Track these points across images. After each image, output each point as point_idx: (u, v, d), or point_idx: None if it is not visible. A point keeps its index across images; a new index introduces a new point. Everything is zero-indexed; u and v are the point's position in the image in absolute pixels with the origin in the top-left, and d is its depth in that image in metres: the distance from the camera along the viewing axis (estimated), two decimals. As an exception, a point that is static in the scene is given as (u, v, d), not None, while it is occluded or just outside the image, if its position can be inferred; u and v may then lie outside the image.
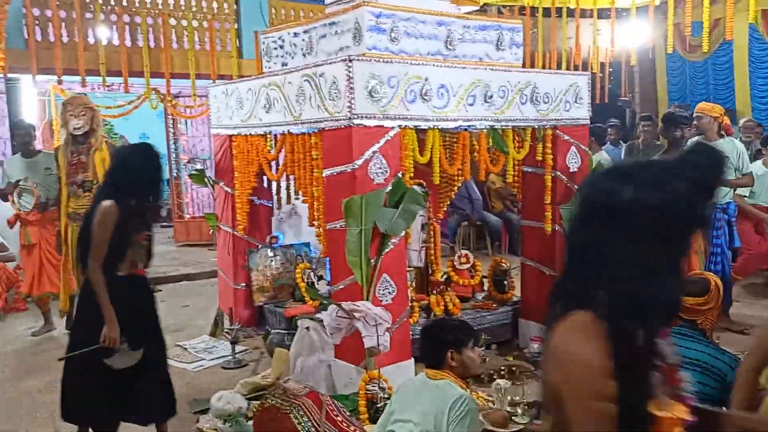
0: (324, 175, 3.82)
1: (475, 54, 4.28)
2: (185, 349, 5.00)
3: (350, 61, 3.50)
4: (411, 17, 3.95)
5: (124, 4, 7.87)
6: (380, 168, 3.65)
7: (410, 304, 4.03)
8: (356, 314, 3.34)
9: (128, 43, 7.80)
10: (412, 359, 3.83)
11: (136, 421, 3.27)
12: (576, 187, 4.48)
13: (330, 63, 3.66)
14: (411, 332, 3.93)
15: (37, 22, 7.30)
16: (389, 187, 3.66)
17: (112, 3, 7.81)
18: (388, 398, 3.15)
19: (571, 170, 4.56)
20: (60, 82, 7.30)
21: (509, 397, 3.52)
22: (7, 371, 4.65)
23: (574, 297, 1.30)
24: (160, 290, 7.04)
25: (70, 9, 7.43)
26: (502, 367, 4.16)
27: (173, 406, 3.33)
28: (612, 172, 1.35)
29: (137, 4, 7.95)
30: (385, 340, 3.37)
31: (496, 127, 4.19)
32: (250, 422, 3.45)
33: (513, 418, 3.36)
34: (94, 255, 3.01)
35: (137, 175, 3.10)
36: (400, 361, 3.73)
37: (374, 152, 3.62)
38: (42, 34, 7.33)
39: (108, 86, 7.72)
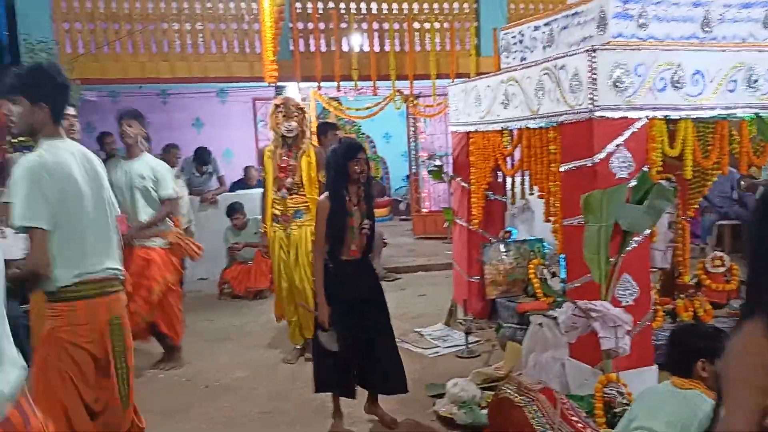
0: (561, 170, 3.75)
1: (737, 35, 3.85)
2: (422, 335, 5.27)
3: (593, 51, 3.39)
4: (662, 0, 3.69)
5: (374, 12, 8.50)
6: (624, 162, 3.47)
7: (653, 308, 3.77)
8: (593, 314, 3.23)
9: (377, 48, 8.41)
10: (655, 366, 3.59)
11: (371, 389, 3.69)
12: None
13: (571, 54, 3.58)
14: (654, 338, 3.69)
15: (301, 34, 8.22)
16: (633, 182, 3.47)
17: (364, 12, 8.48)
18: (627, 404, 3.00)
19: None
20: (319, 87, 8.13)
21: (771, 419, 3.12)
22: (270, 342, 5.36)
23: None
24: (399, 278, 7.51)
25: (328, 21, 8.24)
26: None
27: (399, 382, 3.63)
28: None
29: (385, 12, 8.54)
30: (624, 343, 3.21)
31: (762, 114, 3.73)
32: (483, 411, 3.54)
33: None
34: (314, 244, 3.62)
35: (330, 170, 3.51)
36: (641, 366, 3.52)
37: (617, 145, 3.46)
38: (305, 45, 8.24)
39: (358, 90, 8.40)
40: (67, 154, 2.59)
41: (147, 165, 4.53)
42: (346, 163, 3.40)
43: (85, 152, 2.71)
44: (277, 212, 4.68)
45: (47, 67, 2.65)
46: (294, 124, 4.52)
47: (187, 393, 4.31)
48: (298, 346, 4.85)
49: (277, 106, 4.56)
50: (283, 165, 4.60)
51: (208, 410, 4.02)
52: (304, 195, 4.65)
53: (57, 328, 2.53)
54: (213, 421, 3.88)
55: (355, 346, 3.49)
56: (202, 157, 7.68)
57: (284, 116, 4.50)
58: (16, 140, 6.98)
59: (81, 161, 2.63)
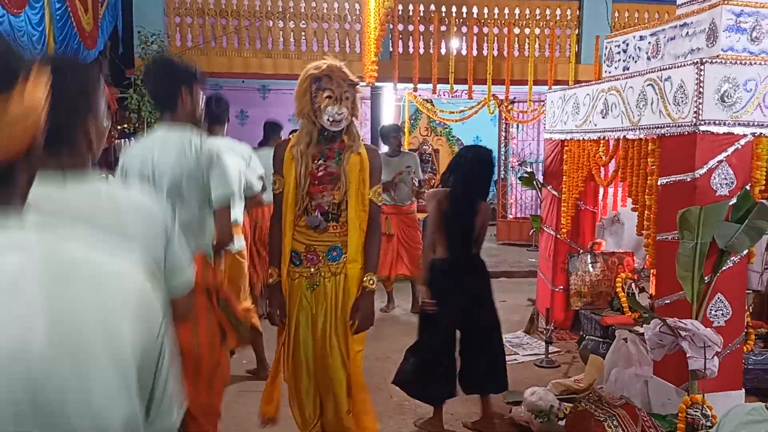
0: (659, 183, 3.67)
1: None
2: (501, 341, 5.28)
3: (702, 63, 3.31)
4: (779, 14, 3.55)
5: (475, 16, 8.53)
6: (725, 179, 3.37)
7: (746, 331, 3.63)
8: (682, 332, 3.15)
9: (475, 52, 8.44)
10: (743, 390, 3.46)
11: (465, 389, 3.66)
12: None
13: (678, 66, 3.50)
14: (744, 361, 3.56)
15: (401, 36, 8.37)
16: (734, 200, 3.36)
17: (465, 16, 8.53)
18: (711, 426, 2.93)
19: None
20: (415, 89, 8.25)
21: None
22: (374, 335, 5.47)
23: None
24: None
25: (428, 23, 8.35)
26: None
27: (500, 381, 3.64)
28: None
29: (486, 16, 8.55)
30: (712, 365, 3.12)
31: None
32: (560, 422, 3.52)
33: None
34: (425, 241, 3.71)
35: (460, 173, 3.57)
36: (729, 390, 3.40)
37: (720, 161, 3.36)
38: (403, 47, 8.38)
39: (453, 93, 8.46)
40: None
41: None
42: (487, 178, 3.56)
43: None
44: (300, 248, 2.85)
45: None
46: (345, 111, 2.75)
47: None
48: None
49: (316, 79, 2.74)
50: (319, 173, 2.82)
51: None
52: (346, 222, 2.83)
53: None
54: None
55: (462, 343, 3.56)
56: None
57: (329, 97, 2.73)
58: (120, 127, 7.51)
59: None
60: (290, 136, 2.92)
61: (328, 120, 2.72)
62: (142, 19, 7.97)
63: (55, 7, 5.58)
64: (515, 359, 4.88)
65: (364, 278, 2.82)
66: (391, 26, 8.19)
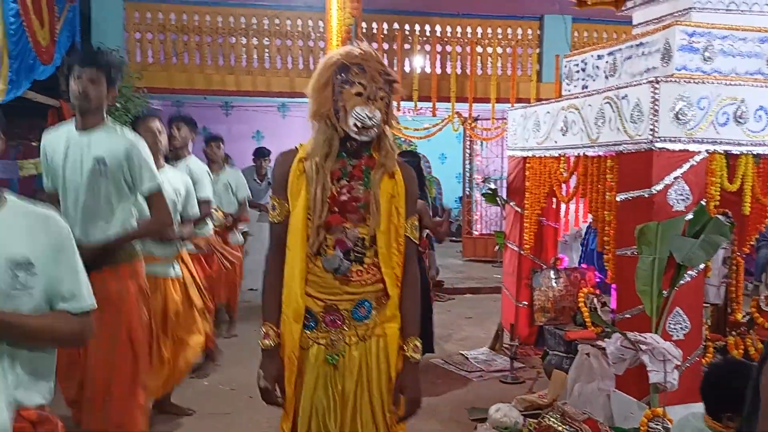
0: (618, 199, 3.73)
1: (806, 73, 3.78)
2: (467, 358, 5.28)
3: (657, 82, 3.39)
4: (729, 35, 3.66)
5: (438, 34, 8.63)
6: (681, 194, 3.45)
7: (704, 344, 3.70)
8: (642, 346, 3.19)
9: (438, 70, 8.52)
10: (702, 403, 3.51)
11: None
12: None
13: (634, 85, 3.58)
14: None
15: (365, 54, 8.40)
16: (690, 215, 3.43)
17: (428, 34, 8.62)
18: (672, 439, 2.96)
19: None
20: (379, 106, 8.27)
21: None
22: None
23: None
24: (453, 299, 7.56)
25: (392, 42, 8.42)
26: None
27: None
28: None
29: (449, 35, 8.66)
30: (672, 378, 3.16)
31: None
32: (524, 437, 3.53)
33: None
34: None
35: None
36: (689, 402, 3.43)
37: (676, 178, 3.43)
38: (367, 65, 8.41)
39: (417, 110, 8.51)
40: None
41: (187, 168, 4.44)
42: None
43: None
44: (314, 306, 2.09)
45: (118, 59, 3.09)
46: (377, 114, 2.00)
47: (231, 401, 4.31)
48: None
49: (343, 68, 2.02)
50: (341, 197, 2.05)
51: (250, 418, 4.02)
52: (373, 265, 2.07)
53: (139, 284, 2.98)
54: (255, 429, 3.88)
55: None
56: (262, 151, 7.58)
57: (360, 94, 2.00)
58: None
59: None
60: (296, 146, 2.14)
61: (354, 125, 1.99)
62: (101, 35, 7.84)
63: (9, 21, 5.47)
64: (481, 376, 4.89)
65: (405, 345, 2.10)
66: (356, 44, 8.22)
